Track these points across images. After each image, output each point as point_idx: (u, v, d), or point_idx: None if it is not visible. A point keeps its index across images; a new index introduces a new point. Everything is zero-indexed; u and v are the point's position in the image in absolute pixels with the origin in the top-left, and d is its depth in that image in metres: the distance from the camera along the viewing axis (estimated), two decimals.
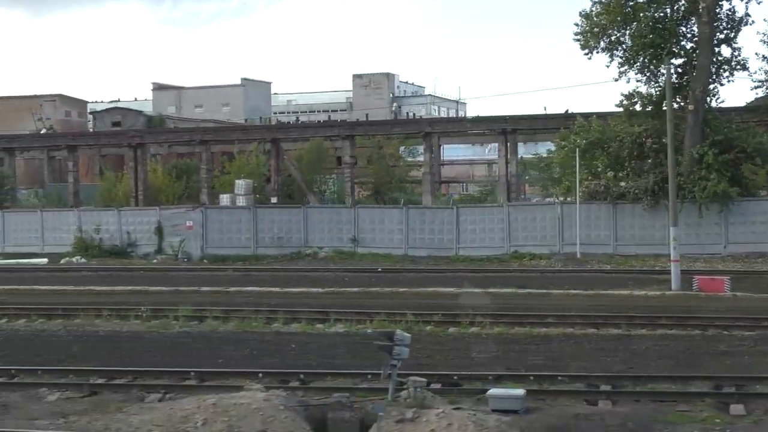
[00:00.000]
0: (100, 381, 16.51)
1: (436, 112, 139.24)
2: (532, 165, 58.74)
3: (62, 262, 46.45)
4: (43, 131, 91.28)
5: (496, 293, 27.90)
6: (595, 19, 40.59)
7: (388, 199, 59.28)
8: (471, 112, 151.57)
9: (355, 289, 29.67)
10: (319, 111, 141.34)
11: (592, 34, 40.69)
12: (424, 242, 41.76)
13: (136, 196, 62.57)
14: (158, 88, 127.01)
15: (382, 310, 23.20)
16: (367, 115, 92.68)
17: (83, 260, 46.17)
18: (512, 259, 39.91)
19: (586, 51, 41.38)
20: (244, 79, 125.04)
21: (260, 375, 15.92)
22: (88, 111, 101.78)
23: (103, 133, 70.52)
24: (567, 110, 60.38)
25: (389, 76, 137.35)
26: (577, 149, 39.63)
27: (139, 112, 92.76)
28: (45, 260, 47.06)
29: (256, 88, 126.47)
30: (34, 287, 32.52)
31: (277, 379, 15.86)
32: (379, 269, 36.14)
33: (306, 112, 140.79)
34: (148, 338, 21.38)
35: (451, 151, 78.07)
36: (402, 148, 70.53)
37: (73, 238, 47.99)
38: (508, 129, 57.79)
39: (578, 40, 41.32)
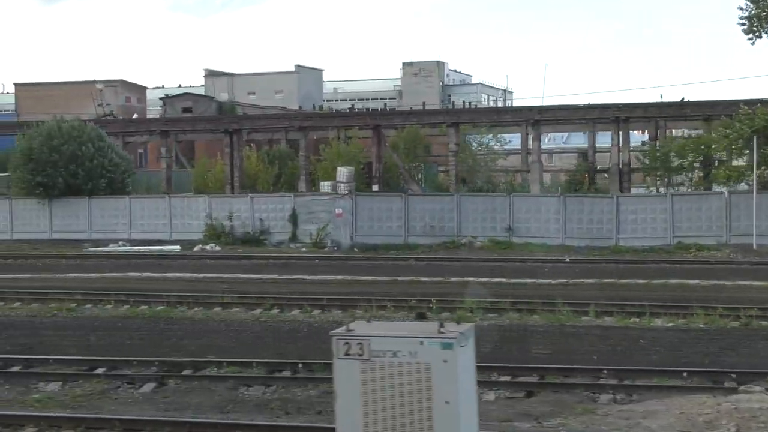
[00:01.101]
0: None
1: (485, 101, 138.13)
2: (646, 154, 57.62)
3: (195, 249, 45.51)
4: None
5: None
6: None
7: (476, 188, 58.17)
8: (517, 101, 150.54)
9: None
10: (367, 99, 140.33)
11: (760, 18, 39.83)
12: (582, 232, 40.72)
13: (232, 183, 61.71)
14: (210, 74, 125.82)
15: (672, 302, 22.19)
16: (424, 103, 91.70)
17: (217, 248, 45.23)
18: (677, 250, 38.88)
19: (750, 36, 40.59)
20: (297, 66, 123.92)
21: (684, 374, 14.96)
22: (158, 97, 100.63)
23: (198, 119, 69.46)
24: (683, 98, 59.48)
25: (439, 65, 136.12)
26: (755, 137, 38.57)
27: (211, 98, 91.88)
28: (178, 247, 46.15)
29: (308, 76, 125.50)
30: (237, 276, 31.33)
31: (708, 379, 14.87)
32: (567, 259, 35.11)
33: (354, 99, 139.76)
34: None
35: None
36: (489, 137, 69.31)
37: (202, 225, 47.07)
38: (622, 117, 56.85)
39: (743, 24, 40.50)
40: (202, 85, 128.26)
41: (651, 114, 57.27)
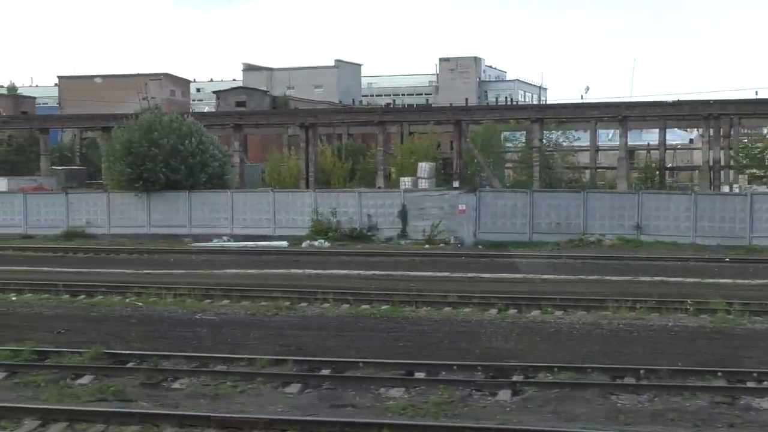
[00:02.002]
0: None
1: (521, 97, 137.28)
2: (739, 151, 56.82)
3: (303, 245, 44.59)
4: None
5: None
6: None
7: (547, 185, 57.25)
8: (551, 98, 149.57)
9: None
10: (403, 94, 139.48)
11: None
12: (713, 230, 39.81)
13: (307, 178, 60.72)
14: (248, 68, 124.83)
15: None
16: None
17: (326, 244, 44.30)
18: None
19: None
20: (337, 61, 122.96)
21: None
22: (211, 91, 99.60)
23: (274, 113, 68.60)
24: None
25: (476, 60, 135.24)
26: None
27: (265, 92, 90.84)
28: (285, 243, 45.23)
29: (347, 70, 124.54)
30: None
31: None
32: (727, 259, 34.22)
33: (390, 95, 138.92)
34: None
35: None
36: (558, 133, 68.33)
37: (306, 221, 46.16)
38: (714, 114, 55.92)
39: None
40: (234, 80, 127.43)
41: (745, 111, 56.37)
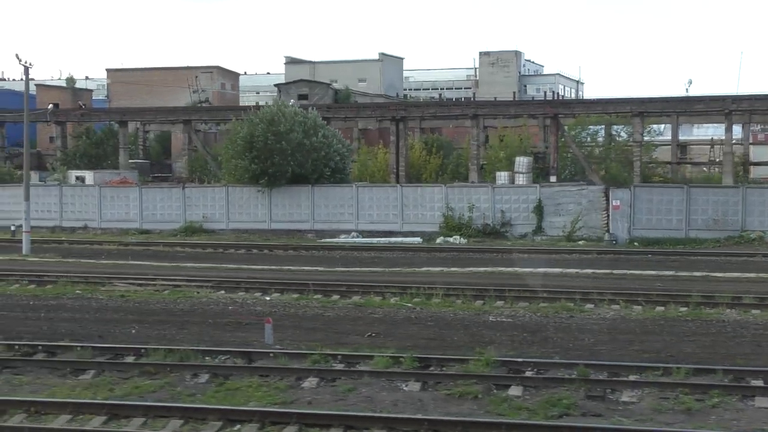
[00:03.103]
0: None
1: (562, 91, 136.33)
2: None
3: (438, 241, 43.66)
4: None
5: None
6: None
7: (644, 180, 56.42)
8: (588, 93, 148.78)
9: None
10: (442, 88, 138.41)
11: None
12: None
13: (397, 172, 59.75)
14: (290, 61, 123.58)
15: None
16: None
17: (463, 240, 43.34)
18: None
19: None
20: (382, 54, 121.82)
21: None
22: (273, 84, 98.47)
23: (364, 106, 67.44)
24: None
25: (517, 54, 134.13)
26: None
27: (328, 85, 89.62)
28: (418, 239, 44.27)
29: (391, 64, 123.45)
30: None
31: None
32: None
33: (429, 89, 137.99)
34: None
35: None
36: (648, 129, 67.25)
37: (436, 216, 45.20)
38: None
39: None
40: (268, 73, 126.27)
41: None
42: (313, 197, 46.70)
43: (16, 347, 17.70)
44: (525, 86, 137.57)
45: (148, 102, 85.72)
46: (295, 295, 23.91)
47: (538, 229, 43.97)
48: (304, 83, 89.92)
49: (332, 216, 46.66)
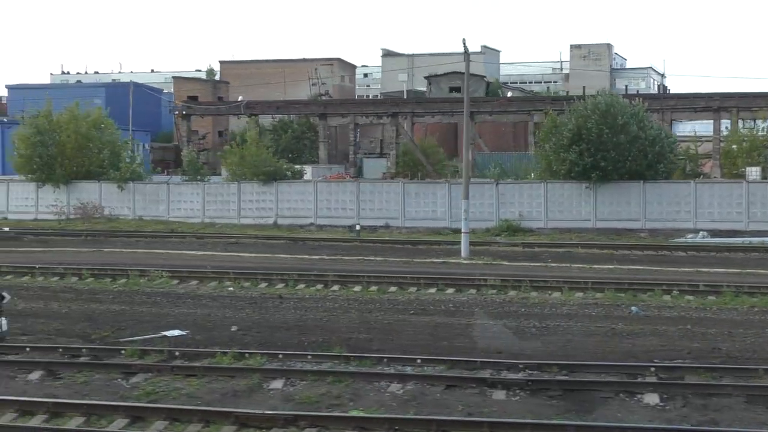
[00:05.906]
0: None
1: (653, 86, 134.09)
2: None
3: None
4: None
5: None
6: None
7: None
8: (673, 87, 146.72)
9: None
10: (530, 81, 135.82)
11: None
12: None
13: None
14: (387, 54, 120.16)
15: None
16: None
17: None
18: None
19: None
20: (483, 47, 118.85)
21: None
22: (423, 76, 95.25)
23: (498, 101, 65.49)
24: None
25: (609, 47, 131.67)
26: None
27: (482, 77, 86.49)
28: None
29: (489, 57, 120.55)
30: None
31: None
32: None
33: (516, 83, 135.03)
34: None
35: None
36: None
37: None
38: None
39: None
40: (364, 65, 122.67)
41: None
42: (644, 194, 43.48)
43: None
44: (615, 80, 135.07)
45: (265, 95, 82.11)
46: None
47: None
48: (456, 75, 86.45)
49: (666, 214, 43.53)
